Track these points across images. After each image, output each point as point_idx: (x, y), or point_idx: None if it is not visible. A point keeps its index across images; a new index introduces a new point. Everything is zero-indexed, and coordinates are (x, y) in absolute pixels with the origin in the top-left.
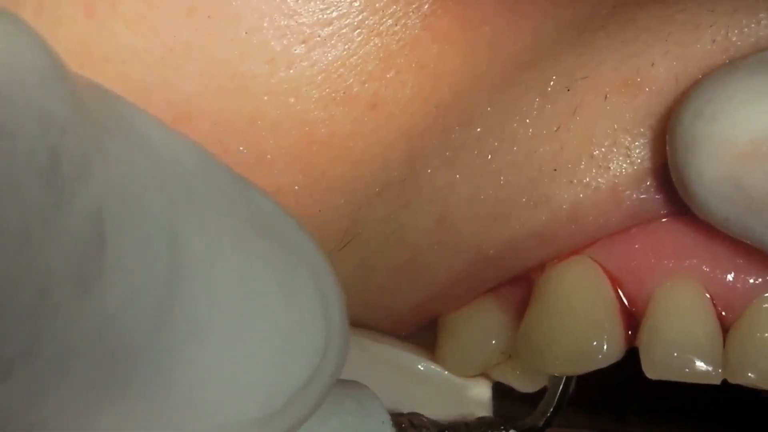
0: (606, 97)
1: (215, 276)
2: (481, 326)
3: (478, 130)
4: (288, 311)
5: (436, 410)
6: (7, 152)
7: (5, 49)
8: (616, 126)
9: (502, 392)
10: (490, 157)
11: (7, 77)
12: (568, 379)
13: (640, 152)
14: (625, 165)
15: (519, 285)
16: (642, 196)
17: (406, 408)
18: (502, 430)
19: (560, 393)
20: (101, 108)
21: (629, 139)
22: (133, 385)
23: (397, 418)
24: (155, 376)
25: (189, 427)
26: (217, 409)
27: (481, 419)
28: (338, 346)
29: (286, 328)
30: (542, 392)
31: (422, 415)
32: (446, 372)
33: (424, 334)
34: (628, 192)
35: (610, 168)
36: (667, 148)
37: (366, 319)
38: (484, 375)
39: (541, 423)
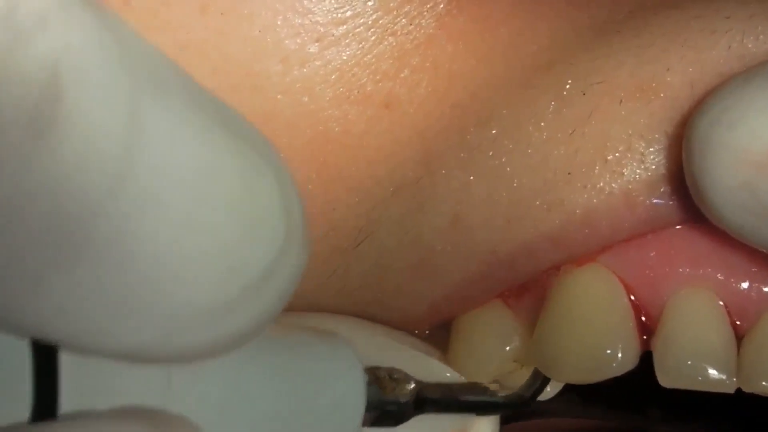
0: (621, 101)
1: (176, 153)
2: (494, 333)
3: (494, 131)
4: (249, 203)
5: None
6: None
7: None
8: (630, 131)
9: None
10: (504, 159)
11: None
12: None
13: (654, 158)
14: (639, 170)
15: (533, 292)
16: (656, 202)
17: None
18: (489, 395)
19: None
20: None
21: (644, 144)
22: (88, 251)
23: (374, 370)
24: (111, 245)
25: (140, 307)
26: (171, 292)
27: (468, 384)
28: (298, 247)
29: (244, 218)
30: None
31: (402, 371)
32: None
33: (437, 333)
34: (641, 198)
35: (624, 173)
36: (683, 155)
37: (380, 318)
38: (496, 382)
39: (529, 393)
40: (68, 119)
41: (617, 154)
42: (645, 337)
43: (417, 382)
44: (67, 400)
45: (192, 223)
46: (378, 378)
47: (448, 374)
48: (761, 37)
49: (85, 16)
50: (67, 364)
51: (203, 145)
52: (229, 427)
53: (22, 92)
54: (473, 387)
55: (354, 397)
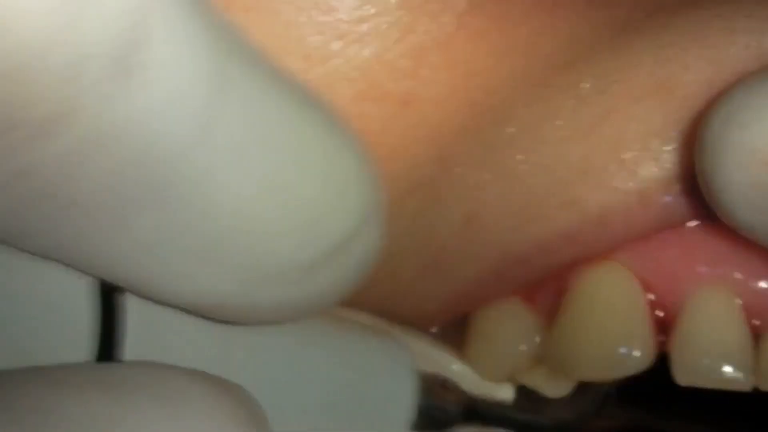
0: (639, 101)
1: (261, 114)
2: (511, 332)
3: (511, 130)
4: (334, 169)
5: None
6: None
7: None
8: (647, 130)
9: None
10: (521, 157)
11: None
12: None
13: (669, 157)
14: (654, 169)
15: (550, 290)
16: (670, 201)
17: None
18: (538, 416)
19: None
20: None
21: (659, 143)
22: (172, 195)
23: (425, 374)
24: (195, 192)
25: (221, 257)
26: (252, 246)
27: (517, 403)
28: (376, 221)
29: (329, 183)
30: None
31: (453, 381)
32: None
33: (448, 330)
34: (655, 196)
35: (639, 172)
36: (695, 153)
37: (395, 315)
38: (510, 379)
39: (574, 415)
40: (154, 64)
41: (633, 153)
42: (662, 339)
43: (467, 393)
44: (129, 350)
45: (276, 182)
46: (428, 383)
47: (455, 367)
48: None
49: None
50: (132, 312)
51: (289, 110)
52: (280, 407)
53: (112, 30)
54: (523, 406)
55: (405, 397)
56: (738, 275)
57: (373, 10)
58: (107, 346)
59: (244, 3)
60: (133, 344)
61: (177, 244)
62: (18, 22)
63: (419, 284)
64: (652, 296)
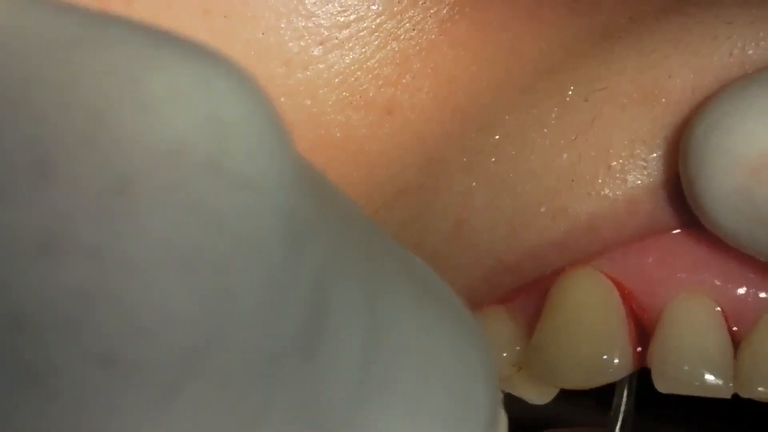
0: (623, 108)
1: (403, 335)
2: (492, 340)
3: (496, 137)
4: (461, 377)
5: None
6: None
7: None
8: (633, 137)
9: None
10: (507, 165)
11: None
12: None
13: (656, 164)
14: (641, 177)
15: (531, 296)
16: (657, 208)
17: None
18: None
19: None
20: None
21: (645, 150)
22: None
23: None
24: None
25: None
26: None
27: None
28: (503, 422)
29: (460, 396)
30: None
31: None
32: None
33: None
34: (643, 203)
35: (627, 180)
36: (679, 159)
37: None
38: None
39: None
40: (331, 332)
41: (620, 161)
42: (641, 347)
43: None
44: None
45: (416, 407)
46: None
47: None
48: (762, 43)
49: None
50: None
51: (417, 316)
52: None
53: (298, 314)
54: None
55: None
56: (718, 282)
57: (353, 16)
58: None
59: (223, 9)
60: None
61: None
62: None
63: None
64: (631, 303)
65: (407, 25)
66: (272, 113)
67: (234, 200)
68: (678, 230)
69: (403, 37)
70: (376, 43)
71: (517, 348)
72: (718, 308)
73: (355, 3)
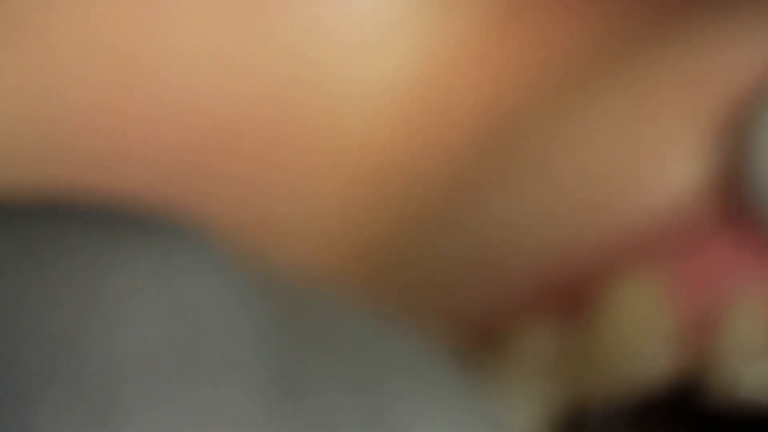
0: (667, 100)
1: None
2: (539, 349)
3: (528, 139)
4: None
5: None
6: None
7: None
8: (676, 131)
9: None
10: (541, 167)
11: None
12: None
13: (706, 158)
14: (692, 172)
15: (573, 305)
16: (707, 208)
17: None
18: None
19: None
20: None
21: (696, 146)
22: None
23: None
24: None
25: None
26: None
27: None
28: None
29: None
30: None
31: None
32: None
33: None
34: (691, 203)
35: (674, 178)
36: (732, 151)
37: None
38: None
39: None
40: None
41: (668, 158)
42: (688, 355)
43: None
44: None
45: None
46: None
47: None
48: None
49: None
50: None
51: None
52: None
53: None
54: None
55: None
56: None
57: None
58: None
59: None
60: None
61: None
62: None
63: (436, 304)
64: (680, 310)
65: (434, 28)
66: (242, 285)
67: (212, 392)
68: (732, 229)
69: (428, 42)
70: (404, 46)
71: (562, 358)
72: None
73: (384, 4)
